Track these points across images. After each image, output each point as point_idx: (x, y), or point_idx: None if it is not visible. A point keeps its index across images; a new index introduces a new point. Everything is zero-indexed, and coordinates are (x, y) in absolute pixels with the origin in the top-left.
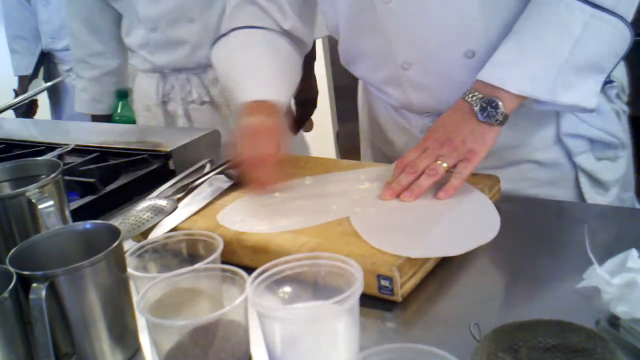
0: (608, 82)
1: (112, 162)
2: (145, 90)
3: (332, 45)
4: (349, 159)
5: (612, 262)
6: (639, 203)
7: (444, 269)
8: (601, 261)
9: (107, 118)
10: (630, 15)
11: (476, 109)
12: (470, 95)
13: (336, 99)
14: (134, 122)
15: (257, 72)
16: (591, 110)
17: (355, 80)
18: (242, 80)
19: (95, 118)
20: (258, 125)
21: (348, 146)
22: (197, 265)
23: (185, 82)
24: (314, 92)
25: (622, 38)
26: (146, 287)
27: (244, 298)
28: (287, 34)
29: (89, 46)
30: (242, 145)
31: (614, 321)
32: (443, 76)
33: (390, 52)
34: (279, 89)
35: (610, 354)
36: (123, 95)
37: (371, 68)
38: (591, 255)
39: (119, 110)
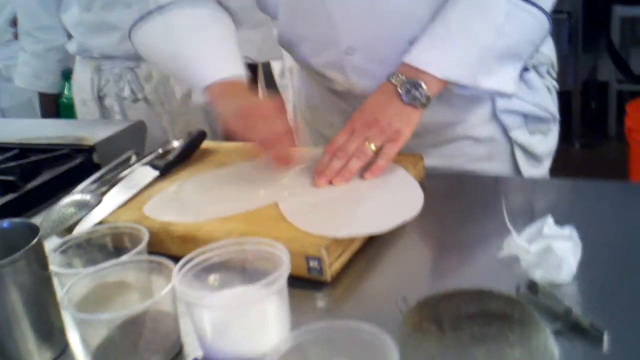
0: (539, 62)
1: (33, 158)
2: (81, 83)
3: None
4: None
5: (530, 230)
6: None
7: (372, 247)
8: (520, 229)
9: (54, 99)
10: (549, 7)
11: (401, 91)
12: (395, 78)
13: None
14: (71, 107)
15: (217, 49)
16: (510, 95)
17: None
18: (200, 60)
19: (43, 98)
20: (259, 105)
21: None
22: (122, 258)
23: (119, 77)
24: (283, 108)
25: (541, 27)
26: (70, 283)
27: (171, 288)
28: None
29: (36, 18)
30: (252, 127)
31: (532, 286)
32: (387, 62)
33: (334, 37)
34: (241, 67)
35: (528, 317)
36: (69, 76)
37: (313, 52)
38: (509, 225)
39: (65, 92)
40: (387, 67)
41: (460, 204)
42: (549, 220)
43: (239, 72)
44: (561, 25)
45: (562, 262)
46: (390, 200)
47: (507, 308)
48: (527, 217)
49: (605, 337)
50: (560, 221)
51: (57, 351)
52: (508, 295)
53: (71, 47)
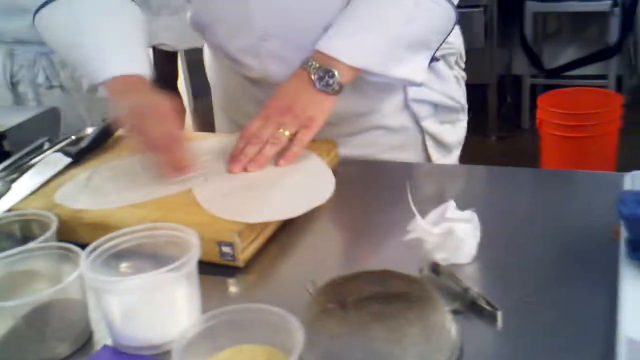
0: (448, 52)
1: None
2: None
3: None
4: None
5: (433, 214)
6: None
7: (284, 233)
8: (424, 214)
9: None
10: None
11: (314, 77)
12: (309, 65)
13: (190, 75)
14: None
15: (118, 42)
16: (419, 84)
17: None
18: (100, 53)
19: None
20: (149, 104)
21: (205, 121)
22: (29, 245)
23: (33, 63)
24: (181, 112)
25: (448, 19)
26: None
27: (79, 274)
28: None
29: None
30: (144, 128)
31: (435, 267)
32: (302, 48)
33: (249, 22)
34: (144, 62)
35: (426, 296)
36: None
37: (227, 36)
38: (413, 209)
39: None
40: (303, 54)
41: (372, 190)
42: (452, 203)
43: (139, 68)
44: (476, 19)
45: (462, 244)
46: (302, 186)
47: (407, 288)
48: (434, 202)
49: (500, 315)
50: (463, 205)
51: None
52: (408, 276)
53: None
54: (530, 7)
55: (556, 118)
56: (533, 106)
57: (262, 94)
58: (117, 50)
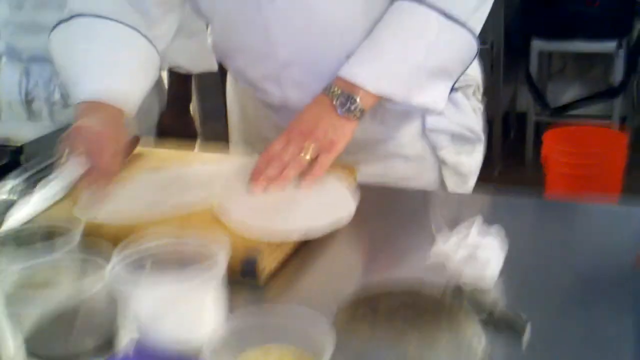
0: (466, 84)
1: None
2: (7, 85)
3: None
4: None
5: (455, 239)
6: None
7: (304, 253)
8: (446, 238)
9: None
10: (477, 30)
11: (336, 103)
12: (331, 91)
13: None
14: None
15: (99, 67)
16: (439, 113)
17: (218, 80)
18: (80, 75)
19: None
20: (94, 128)
21: (214, 145)
22: (53, 255)
23: (49, 80)
24: (193, 135)
25: (470, 48)
26: None
27: (106, 282)
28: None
29: None
30: (72, 150)
31: (459, 289)
32: (323, 76)
33: (271, 50)
34: (123, 92)
35: (457, 304)
36: None
37: (248, 63)
38: (436, 234)
39: None
40: (324, 81)
41: (390, 215)
42: (473, 229)
43: (111, 96)
44: (483, 55)
45: (487, 266)
46: (323, 207)
47: (438, 298)
48: (453, 227)
49: (528, 327)
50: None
51: None
52: (437, 296)
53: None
54: (536, 46)
55: (562, 155)
56: (537, 142)
57: (282, 121)
58: (93, 77)
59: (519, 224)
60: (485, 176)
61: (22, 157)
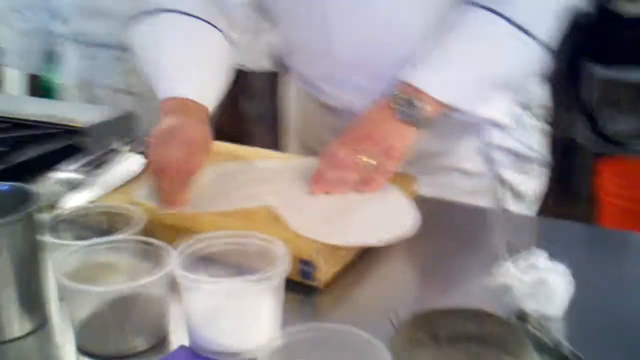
0: (533, 103)
1: (26, 133)
2: (70, 69)
3: None
4: None
5: (522, 262)
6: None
7: (363, 261)
8: (511, 260)
9: (39, 80)
10: (547, 42)
11: (395, 107)
12: (392, 95)
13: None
14: (56, 91)
15: (188, 66)
16: (503, 127)
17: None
18: (168, 71)
19: (30, 78)
20: (181, 128)
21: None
22: (117, 236)
23: (109, 66)
24: (239, 132)
25: (538, 59)
26: (61, 254)
27: (166, 271)
28: (228, 14)
29: None
30: (155, 149)
31: (522, 317)
32: (383, 79)
33: (331, 50)
34: (210, 91)
35: (522, 342)
36: (51, 59)
37: (307, 64)
38: (503, 253)
39: (49, 75)
40: (384, 85)
41: (449, 231)
42: (543, 254)
43: (201, 97)
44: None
45: (555, 296)
46: (386, 216)
47: (503, 332)
48: (517, 251)
49: None
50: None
51: (36, 324)
52: (506, 320)
53: (63, 30)
54: (595, 72)
55: (617, 187)
56: (588, 172)
57: (340, 123)
58: (182, 74)
59: (585, 257)
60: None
61: (85, 140)
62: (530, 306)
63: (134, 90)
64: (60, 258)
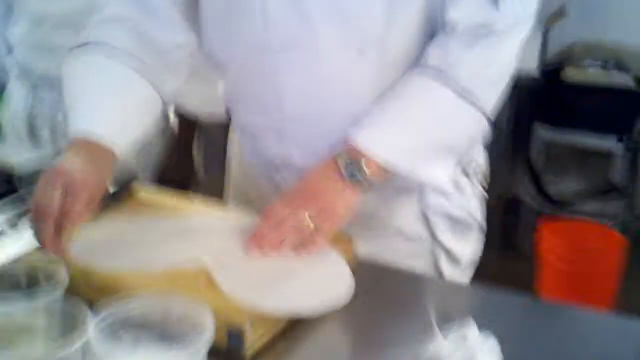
0: (472, 169)
1: None
2: (13, 103)
3: None
4: None
5: (454, 335)
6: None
7: (294, 329)
8: (444, 335)
9: None
10: (488, 108)
11: (344, 172)
12: (340, 157)
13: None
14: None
15: (93, 104)
16: (445, 190)
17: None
18: (75, 107)
19: None
20: (71, 170)
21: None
22: (35, 299)
23: (55, 102)
24: (191, 180)
25: (480, 127)
26: None
27: (84, 341)
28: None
29: None
30: (39, 187)
31: None
32: (329, 136)
33: (278, 101)
34: (122, 133)
35: None
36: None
37: (255, 113)
38: (435, 332)
39: None
40: (327, 141)
41: (384, 298)
42: (474, 328)
43: (103, 132)
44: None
45: None
46: (321, 284)
47: None
48: (450, 320)
49: None
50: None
51: None
52: None
53: (9, 63)
54: (540, 133)
55: (558, 248)
56: (531, 230)
57: (281, 179)
58: (85, 113)
59: (515, 328)
60: (479, 262)
61: (19, 186)
62: None
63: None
64: None
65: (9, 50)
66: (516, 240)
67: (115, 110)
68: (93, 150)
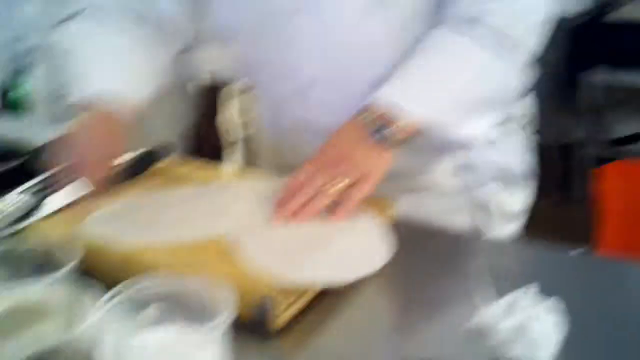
0: (516, 115)
1: None
2: (38, 82)
3: None
4: None
5: (502, 303)
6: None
7: (327, 298)
8: (492, 300)
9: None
10: (529, 55)
11: (370, 130)
12: (364, 115)
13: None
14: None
15: (101, 64)
16: (478, 146)
17: None
18: (81, 72)
19: None
20: (90, 126)
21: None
22: (47, 277)
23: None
24: (219, 148)
25: (520, 76)
26: None
27: (92, 322)
28: (158, 21)
29: None
30: (69, 150)
31: None
32: (350, 98)
33: (296, 66)
34: (124, 92)
35: None
36: (20, 73)
37: (273, 80)
38: (481, 295)
39: (10, 92)
40: (350, 102)
41: (424, 261)
42: (527, 291)
43: (106, 96)
44: (537, 81)
45: (542, 340)
46: (353, 249)
47: None
48: (504, 283)
49: None
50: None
51: None
52: None
53: (29, 44)
54: (596, 74)
55: (618, 193)
56: (588, 176)
57: (306, 144)
58: (95, 73)
59: (573, 286)
60: (531, 213)
61: (35, 161)
62: (514, 354)
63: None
64: None
65: (29, 30)
66: (573, 187)
67: (123, 71)
68: (108, 110)
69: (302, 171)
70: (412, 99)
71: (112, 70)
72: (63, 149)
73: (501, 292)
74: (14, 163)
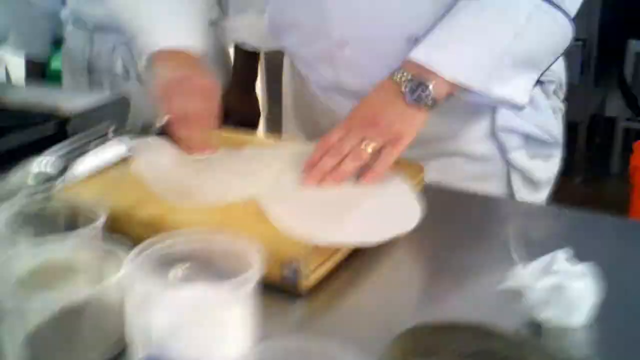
0: (547, 80)
1: (4, 123)
2: (71, 54)
3: None
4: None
5: (537, 264)
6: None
7: (357, 260)
8: (526, 261)
9: (41, 67)
10: (574, 12)
11: (404, 90)
12: (399, 75)
13: (268, 79)
14: (59, 77)
15: (170, 17)
16: (521, 108)
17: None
18: (151, 24)
19: (30, 65)
20: (189, 77)
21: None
22: (72, 235)
23: (111, 51)
24: (256, 114)
25: (564, 35)
26: (8, 255)
27: (121, 276)
28: None
29: None
30: (170, 101)
31: (536, 328)
32: (381, 59)
33: (326, 27)
34: (195, 37)
35: None
36: (56, 44)
37: (302, 42)
38: (515, 255)
39: (51, 65)
40: (381, 64)
41: (455, 223)
42: (560, 254)
43: (190, 43)
44: (574, 53)
45: (577, 302)
46: (383, 211)
47: (510, 351)
48: (535, 247)
49: None
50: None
51: None
52: (510, 337)
53: (64, 14)
54: (634, 46)
55: None
56: (624, 151)
57: (336, 106)
58: (166, 24)
59: (613, 253)
60: (565, 184)
61: (69, 128)
62: (546, 316)
63: (133, 74)
64: (5, 261)
65: (63, 0)
66: (608, 161)
67: (185, 19)
68: (187, 58)
69: (334, 132)
70: (450, 57)
71: (177, 23)
72: (164, 101)
73: (534, 256)
74: (50, 127)
